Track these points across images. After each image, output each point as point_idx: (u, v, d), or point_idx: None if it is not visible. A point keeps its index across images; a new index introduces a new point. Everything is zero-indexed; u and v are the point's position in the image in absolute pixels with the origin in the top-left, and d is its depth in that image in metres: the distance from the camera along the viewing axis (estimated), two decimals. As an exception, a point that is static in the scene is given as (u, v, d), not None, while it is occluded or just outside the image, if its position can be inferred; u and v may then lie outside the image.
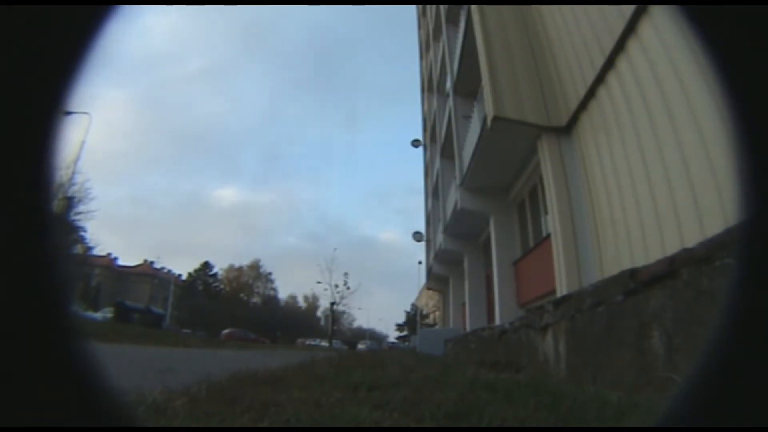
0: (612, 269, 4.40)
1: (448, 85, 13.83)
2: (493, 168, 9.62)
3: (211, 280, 58.20)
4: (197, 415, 0.96)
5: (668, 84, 4.66)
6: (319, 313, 66.74)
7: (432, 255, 20.45)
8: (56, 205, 0.36)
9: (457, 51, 11.62)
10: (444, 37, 14.81)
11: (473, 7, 9.20)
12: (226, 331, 35.62)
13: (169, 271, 56.90)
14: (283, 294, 75.30)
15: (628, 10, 5.33)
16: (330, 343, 39.26)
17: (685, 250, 1.70)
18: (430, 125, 21.04)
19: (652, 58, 5.02)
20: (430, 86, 20.16)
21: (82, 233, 32.67)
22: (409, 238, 25.09)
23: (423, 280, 27.57)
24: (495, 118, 7.60)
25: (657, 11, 4.76)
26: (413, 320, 40.45)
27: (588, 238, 6.52)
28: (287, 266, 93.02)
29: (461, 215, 11.81)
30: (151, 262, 59.39)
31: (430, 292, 28.30)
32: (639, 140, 5.30)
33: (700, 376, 0.35)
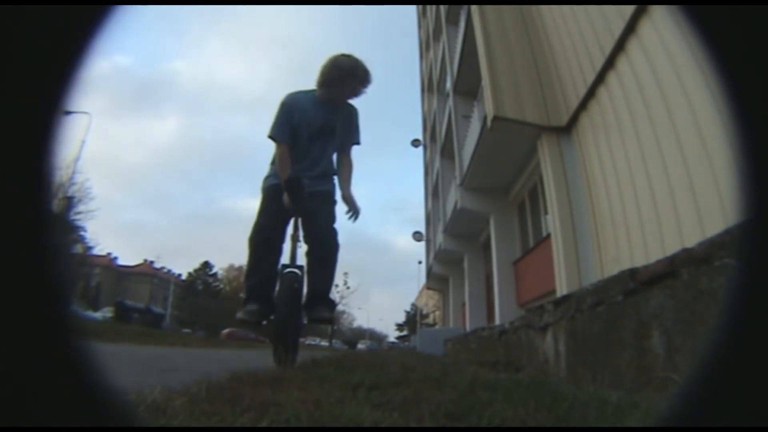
0: (612, 269, 4.40)
1: (448, 85, 13.83)
2: (493, 168, 9.63)
3: (211, 279, 58.18)
4: (197, 415, 0.96)
5: (668, 84, 4.66)
6: (319, 313, 66.48)
7: (432, 255, 20.45)
8: (56, 205, 0.36)
9: (457, 51, 11.63)
10: (444, 37, 14.82)
11: (473, 8, 9.20)
12: (226, 330, 35.58)
13: (169, 270, 56.98)
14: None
15: (628, 10, 5.33)
16: (330, 343, 39.27)
17: (685, 250, 1.70)
18: (430, 125, 21.04)
19: (652, 58, 5.02)
20: (430, 86, 20.16)
21: (82, 233, 32.73)
22: (410, 237, 25.10)
23: (423, 280, 27.59)
24: (495, 118, 7.60)
25: (657, 11, 4.76)
26: (413, 320, 40.49)
27: (588, 238, 6.52)
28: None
29: (461, 215, 11.82)
30: (151, 262, 59.46)
31: (430, 291, 28.32)
32: (639, 140, 5.30)
33: (700, 376, 0.35)
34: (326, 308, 2.68)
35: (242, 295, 2.82)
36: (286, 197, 2.53)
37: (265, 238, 2.60)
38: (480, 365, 3.32)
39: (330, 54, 2.71)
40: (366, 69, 2.68)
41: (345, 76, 2.63)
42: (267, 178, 2.78)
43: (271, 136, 2.70)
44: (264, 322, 2.63)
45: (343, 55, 2.68)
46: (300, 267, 2.62)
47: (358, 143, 2.89)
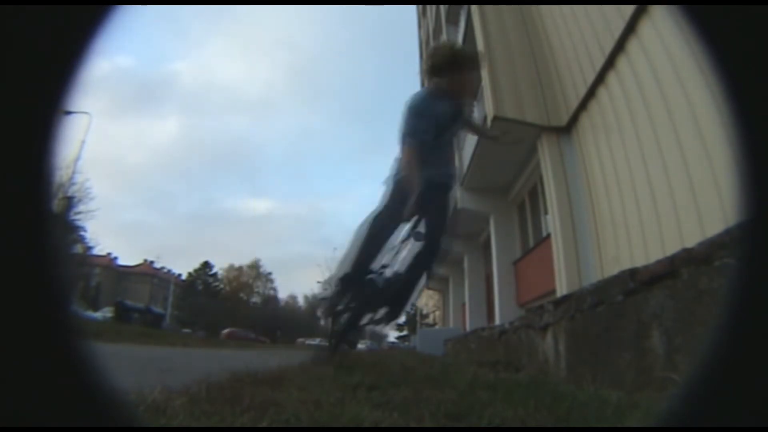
0: (612, 269, 4.40)
1: (448, 85, 13.81)
2: (493, 168, 9.62)
3: (211, 279, 58.19)
4: (197, 415, 0.96)
5: (668, 84, 4.65)
6: (319, 313, 66.72)
7: (432, 255, 20.41)
8: (56, 205, 0.36)
9: (457, 51, 11.61)
10: (444, 37, 14.81)
11: (473, 8, 9.20)
12: (226, 330, 35.63)
13: (169, 270, 56.95)
14: (283, 294, 75.53)
15: (628, 10, 5.33)
16: (330, 343, 39.18)
17: (685, 250, 1.70)
18: (430, 125, 21.02)
19: (652, 58, 5.02)
20: (430, 86, 20.15)
21: (82, 233, 32.73)
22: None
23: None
24: (495, 118, 7.59)
25: (657, 11, 4.76)
26: (413, 320, 40.49)
27: (588, 238, 6.52)
28: (293, 271, 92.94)
29: (461, 215, 11.81)
30: (151, 262, 59.43)
31: (430, 291, 28.31)
32: (639, 140, 5.30)
33: (700, 376, 0.35)
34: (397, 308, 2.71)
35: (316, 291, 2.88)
36: (413, 202, 2.44)
37: (376, 233, 2.60)
38: (480, 365, 3.32)
39: (440, 42, 2.66)
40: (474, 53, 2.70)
41: (464, 64, 2.55)
42: (396, 175, 2.71)
43: (405, 140, 2.59)
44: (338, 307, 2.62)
45: (457, 44, 2.71)
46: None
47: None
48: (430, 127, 2.53)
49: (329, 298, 2.56)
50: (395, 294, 2.60)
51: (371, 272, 2.58)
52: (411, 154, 2.52)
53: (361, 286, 2.56)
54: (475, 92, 2.66)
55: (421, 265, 2.64)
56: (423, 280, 2.70)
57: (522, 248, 10.07)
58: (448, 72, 2.50)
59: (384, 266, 2.59)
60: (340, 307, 2.57)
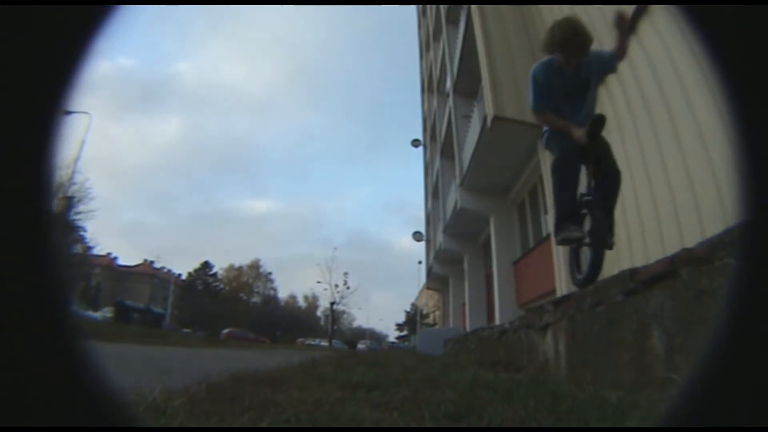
0: (612, 269, 4.40)
1: (448, 85, 13.83)
2: (493, 168, 9.62)
3: (211, 279, 58.16)
4: (197, 415, 0.96)
5: (668, 84, 4.66)
6: (319, 313, 66.92)
7: (432, 255, 20.45)
8: (56, 205, 0.36)
9: (457, 51, 11.63)
10: (444, 37, 14.82)
11: (473, 7, 9.20)
12: (226, 330, 35.65)
13: (169, 270, 56.90)
14: (283, 294, 75.55)
15: (628, 10, 5.33)
16: (330, 342, 39.29)
17: (685, 250, 1.70)
18: (430, 125, 21.04)
19: (652, 58, 5.02)
20: (430, 86, 20.16)
21: (82, 233, 32.74)
22: (410, 237, 25.13)
23: (423, 279, 27.60)
24: (495, 118, 7.60)
25: (657, 11, 4.76)
26: (413, 320, 40.51)
27: (588, 238, 6.51)
28: (293, 271, 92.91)
29: (461, 215, 11.81)
30: (151, 262, 59.41)
31: (430, 291, 28.31)
32: (639, 140, 5.30)
33: (700, 376, 0.35)
34: (611, 231, 2.92)
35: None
36: (582, 135, 2.74)
37: (568, 169, 2.85)
38: (480, 365, 3.32)
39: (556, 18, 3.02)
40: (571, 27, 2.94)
41: (561, 44, 2.88)
42: (546, 135, 3.09)
43: (533, 109, 2.97)
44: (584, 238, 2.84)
45: (561, 23, 2.99)
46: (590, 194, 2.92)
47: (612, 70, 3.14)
48: (543, 95, 2.92)
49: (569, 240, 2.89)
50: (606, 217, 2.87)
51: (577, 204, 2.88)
52: (541, 118, 2.99)
53: (580, 218, 2.87)
54: (576, 63, 2.97)
55: (605, 194, 2.90)
56: (614, 205, 2.97)
57: (522, 248, 10.07)
58: (553, 49, 2.91)
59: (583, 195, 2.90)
60: (575, 234, 2.84)
